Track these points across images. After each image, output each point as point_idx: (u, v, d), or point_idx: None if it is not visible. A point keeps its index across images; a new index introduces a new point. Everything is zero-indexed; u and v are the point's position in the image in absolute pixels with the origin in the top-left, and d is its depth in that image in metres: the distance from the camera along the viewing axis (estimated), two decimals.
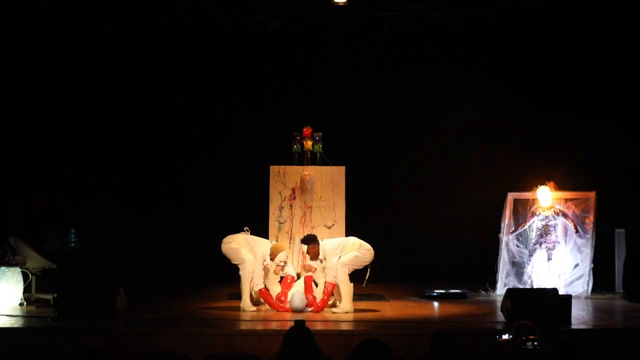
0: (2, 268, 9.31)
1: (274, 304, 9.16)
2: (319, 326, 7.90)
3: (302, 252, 9.54)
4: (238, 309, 9.20)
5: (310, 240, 9.27)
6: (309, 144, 10.76)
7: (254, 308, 9.20)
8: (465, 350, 6.64)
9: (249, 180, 11.32)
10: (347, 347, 6.86)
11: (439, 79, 11.99)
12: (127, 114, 11.96)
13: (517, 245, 10.81)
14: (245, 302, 9.18)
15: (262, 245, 9.39)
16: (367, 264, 9.29)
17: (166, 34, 11.44)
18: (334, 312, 9.00)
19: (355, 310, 9.07)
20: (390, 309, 9.43)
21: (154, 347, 7.39)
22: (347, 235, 10.25)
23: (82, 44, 11.57)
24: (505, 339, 5.96)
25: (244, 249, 9.35)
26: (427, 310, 9.49)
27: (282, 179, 10.67)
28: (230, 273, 10.47)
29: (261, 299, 9.44)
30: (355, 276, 11.03)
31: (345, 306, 9.02)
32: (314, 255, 9.21)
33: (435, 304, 9.90)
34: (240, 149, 11.85)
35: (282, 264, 9.29)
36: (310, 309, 9.09)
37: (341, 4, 10.80)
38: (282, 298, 9.16)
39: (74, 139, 11.82)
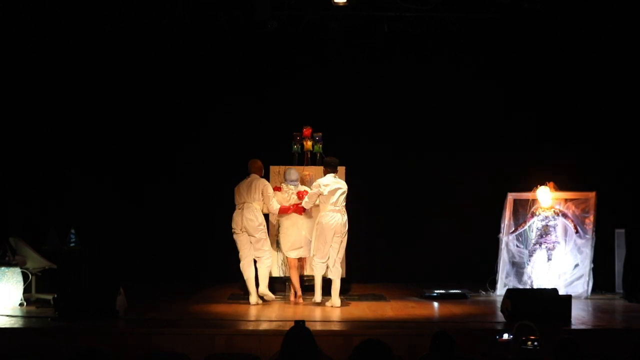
0: (2, 268, 9.31)
1: (291, 208, 9.86)
2: (318, 326, 7.90)
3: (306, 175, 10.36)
4: (238, 309, 9.22)
5: (328, 164, 9.82)
6: (309, 144, 10.77)
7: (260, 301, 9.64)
8: (465, 350, 6.64)
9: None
10: (347, 347, 6.86)
11: (439, 79, 11.98)
12: (127, 114, 11.95)
13: (517, 246, 10.81)
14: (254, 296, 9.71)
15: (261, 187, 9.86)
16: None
17: (166, 34, 11.44)
18: (333, 306, 9.33)
19: (355, 310, 9.12)
20: (390, 309, 9.43)
21: (154, 347, 7.39)
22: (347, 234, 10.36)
23: (82, 44, 11.57)
24: (505, 339, 5.96)
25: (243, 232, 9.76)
26: (427, 310, 9.49)
27: (282, 179, 10.70)
28: (230, 273, 10.51)
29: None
30: (356, 276, 11.08)
31: (336, 300, 9.43)
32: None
33: (435, 304, 9.90)
34: (240, 149, 11.84)
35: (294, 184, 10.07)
36: (300, 187, 10.04)
37: (341, 4, 10.79)
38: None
39: (74, 138, 11.82)
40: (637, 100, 11.52)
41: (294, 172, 10.17)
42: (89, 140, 11.87)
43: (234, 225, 9.80)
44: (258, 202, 9.82)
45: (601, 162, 11.54)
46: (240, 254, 9.77)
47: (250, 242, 9.73)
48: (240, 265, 9.77)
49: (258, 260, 9.78)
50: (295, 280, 9.94)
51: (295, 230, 9.93)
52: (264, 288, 9.70)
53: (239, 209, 9.81)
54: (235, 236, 9.81)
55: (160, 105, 11.98)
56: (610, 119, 11.63)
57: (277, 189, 10.01)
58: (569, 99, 11.84)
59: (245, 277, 9.75)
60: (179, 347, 7.27)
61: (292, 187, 10.02)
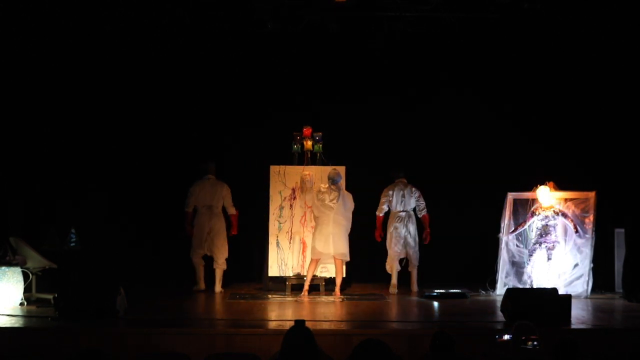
0: (3, 268, 9.32)
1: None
2: (318, 326, 7.90)
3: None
4: (238, 309, 9.21)
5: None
6: (309, 144, 10.79)
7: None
8: (465, 350, 6.65)
9: (249, 180, 11.32)
10: (347, 347, 6.85)
11: (438, 79, 11.97)
12: (127, 114, 11.94)
13: (517, 245, 10.82)
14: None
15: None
16: None
17: (166, 34, 11.43)
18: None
19: (355, 310, 9.11)
20: (390, 309, 9.44)
21: (154, 347, 7.40)
22: (349, 234, 10.43)
23: (82, 44, 11.56)
24: (505, 339, 5.96)
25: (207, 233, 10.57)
26: (427, 310, 9.49)
27: (282, 179, 10.71)
28: (230, 273, 10.51)
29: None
30: (356, 276, 11.07)
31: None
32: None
33: (435, 304, 9.90)
34: (240, 149, 11.85)
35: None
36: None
37: (341, 1, 10.76)
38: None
39: (74, 138, 11.81)
40: (637, 100, 11.51)
41: (339, 172, 10.52)
42: (88, 139, 11.85)
43: (197, 226, 10.53)
44: (221, 206, 10.58)
45: (601, 162, 11.54)
46: (196, 250, 10.58)
47: (215, 245, 10.53)
48: (192, 256, 10.60)
49: (216, 261, 10.57)
50: (309, 274, 10.31)
51: (324, 228, 10.32)
52: (219, 287, 10.59)
53: (206, 211, 10.55)
54: (195, 236, 10.55)
55: (160, 105, 11.96)
56: (610, 119, 11.63)
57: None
58: (568, 99, 11.83)
59: (196, 268, 10.69)
60: (179, 347, 7.28)
61: (334, 187, 10.43)
